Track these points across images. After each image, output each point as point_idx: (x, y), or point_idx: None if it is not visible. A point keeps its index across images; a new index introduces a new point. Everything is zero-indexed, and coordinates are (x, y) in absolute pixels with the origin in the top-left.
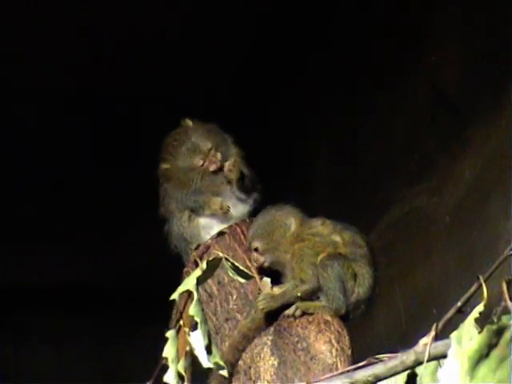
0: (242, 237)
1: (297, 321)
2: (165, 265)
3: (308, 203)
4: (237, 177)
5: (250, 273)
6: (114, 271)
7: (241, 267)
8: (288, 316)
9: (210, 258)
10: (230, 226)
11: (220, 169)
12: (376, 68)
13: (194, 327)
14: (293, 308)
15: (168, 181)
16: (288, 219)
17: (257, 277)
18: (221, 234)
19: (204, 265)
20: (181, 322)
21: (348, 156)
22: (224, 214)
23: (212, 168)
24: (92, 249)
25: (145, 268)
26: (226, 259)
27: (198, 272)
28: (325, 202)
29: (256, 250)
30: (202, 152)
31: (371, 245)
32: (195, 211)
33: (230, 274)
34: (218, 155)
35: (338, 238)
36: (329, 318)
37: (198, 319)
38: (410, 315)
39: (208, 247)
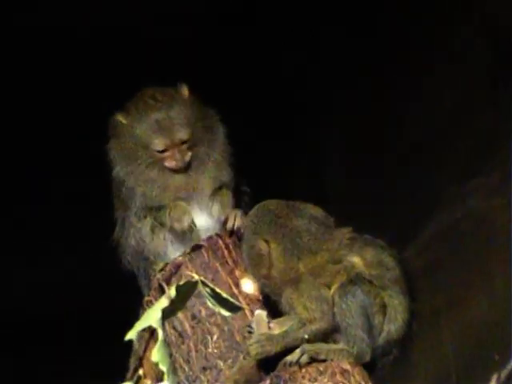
0: (225, 252)
1: (303, 370)
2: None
3: (321, 204)
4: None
5: (236, 302)
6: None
7: (224, 295)
8: (291, 364)
9: (181, 282)
10: (210, 238)
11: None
12: (413, 22)
13: (158, 379)
14: (297, 352)
15: (114, 138)
16: (318, 244)
17: (246, 308)
18: (196, 247)
19: (173, 291)
20: (140, 372)
21: (374, 141)
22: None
23: (171, 165)
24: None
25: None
26: (204, 283)
27: (163, 302)
28: (342, 204)
29: None
30: (173, 137)
31: (405, 265)
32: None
33: (210, 305)
34: (189, 155)
35: (355, 259)
36: (348, 367)
37: (163, 368)
38: (462, 362)
39: (178, 266)
